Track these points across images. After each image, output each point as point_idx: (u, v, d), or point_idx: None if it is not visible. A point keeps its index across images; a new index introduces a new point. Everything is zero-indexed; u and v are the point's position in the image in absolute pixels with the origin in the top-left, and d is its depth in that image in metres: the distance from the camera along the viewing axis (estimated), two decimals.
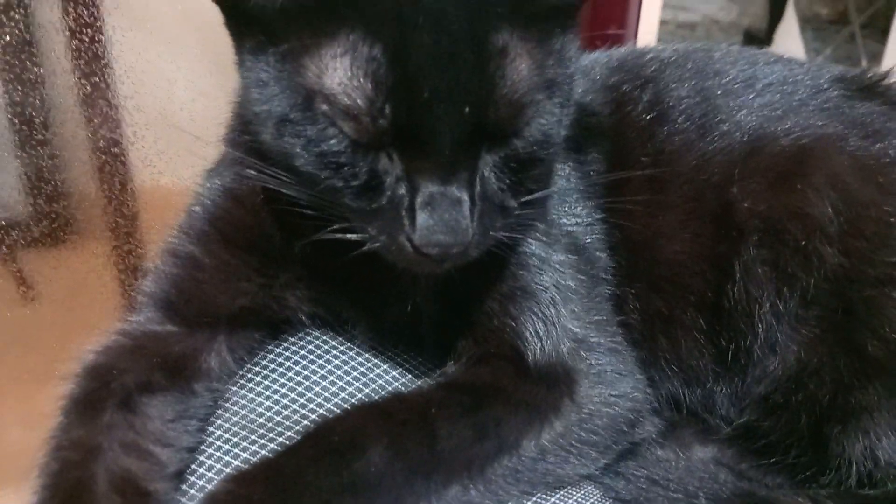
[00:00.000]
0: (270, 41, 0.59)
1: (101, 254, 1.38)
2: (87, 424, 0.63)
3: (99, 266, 1.38)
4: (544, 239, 0.74)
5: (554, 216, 0.77)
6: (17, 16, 1.18)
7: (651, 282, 0.79)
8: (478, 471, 0.64)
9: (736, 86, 0.82)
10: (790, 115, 0.79)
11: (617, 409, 0.71)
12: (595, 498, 0.71)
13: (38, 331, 1.34)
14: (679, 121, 0.81)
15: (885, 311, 0.69)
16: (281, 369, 0.75)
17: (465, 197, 0.58)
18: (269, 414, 0.71)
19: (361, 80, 0.55)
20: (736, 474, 0.76)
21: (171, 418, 0.67)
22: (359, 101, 0.55)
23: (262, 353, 0.76)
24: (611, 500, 0.71)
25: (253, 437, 0.69)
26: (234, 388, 0.73)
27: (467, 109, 0.56)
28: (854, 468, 0.71)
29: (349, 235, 0.62)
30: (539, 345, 0.70)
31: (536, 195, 0.65)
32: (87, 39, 1.22)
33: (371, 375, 0.75)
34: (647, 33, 1.96)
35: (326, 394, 0.73)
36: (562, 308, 0.72)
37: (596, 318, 0.74)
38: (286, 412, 0.71)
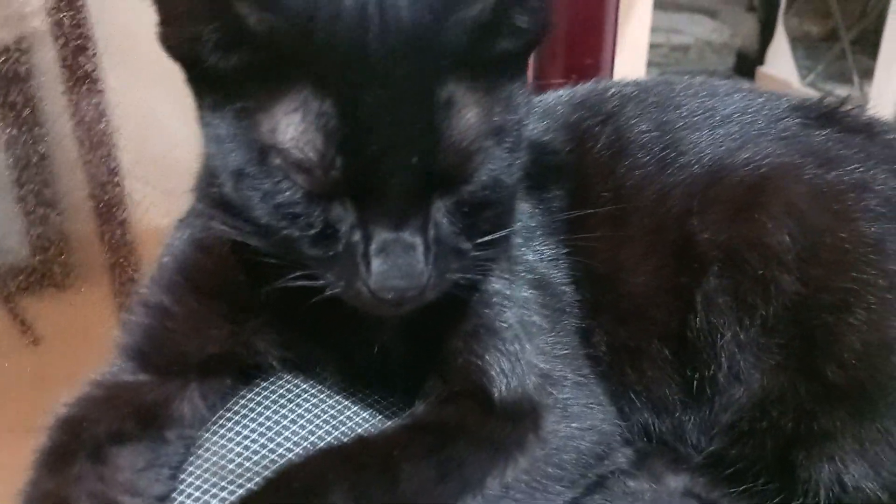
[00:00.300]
0: (227, 99, 0.61)
1: (103, 298, 1.41)
2: (57, 477, 0.64)
3: (101, 310, 1.40)
4: (507, 276, 0.75)
5: (517, 253, 0.78)
6: (12, 60, 1.21)
7: (616, 314, 0.80)
8: None
9: (695, 118, 0.84)
10: (748, 144, 0.80)
11: (584, 442, 0.72)
12: None
13: (32, 378, 1.35)
14: (639, 155, 0.82)
15: (842, 337, 0.70)
16: (252, 414, 0.76)
17: (419, 242, 0.60)
18: (239, 460, 0.72)
19: (312, 133, 0.57)
20: (707, 503, 0.76)
21: (141, 467, 0.69)
22: (310, 154, 0.57)
23: (235, 399, 0.78)
24: None
25: (224, 483, 0.70)
26: (207, 435, 0.75)
27: (415, 159, 0.57)
28: (822, 494, 0.71)
29: (310, 282, 0.64)
30: (505, 381, 0.71)
31: (491, 237, 0.66)
32: (83, 82, 1.25)
33: (341, 418, 0.76)
34: (634, 60, 1.99)
35: (297, 437, 0.74)
36: (526, 344, 0.73)
37: (562, 352, 0.75)
38: (257, 457, 0.72)
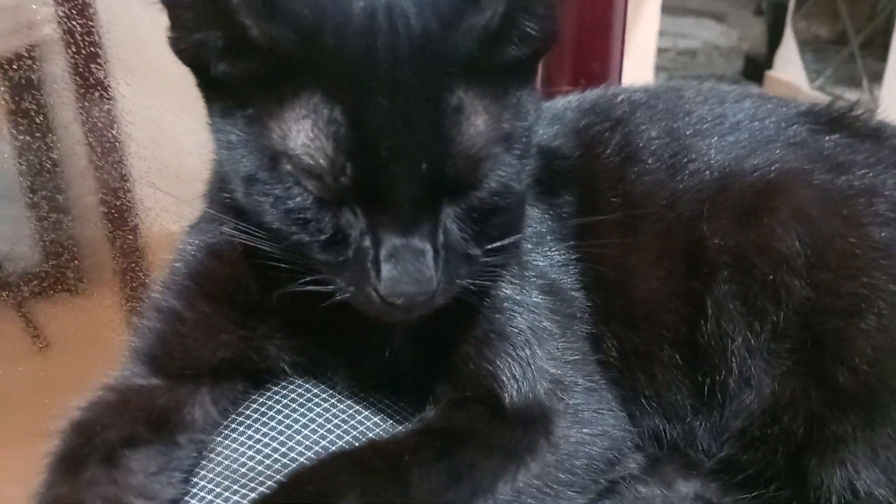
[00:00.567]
0: (237, 105, 0.62)
1: (114, 303, 1.41)
2: (70, 481, 0.65)
3: (111, 314, 1.41)
4: (517, 281, 0.76)
5: (528, 258, 0.78)
6: (24, 67, 1.22)
7: (627, 320, 0.80)
8: None
9: (705, 125, 0.84)
10: (758, 151, 0.80)
11: (595, 447, 0.72)
12: None
13: (45, 382, 1.36)
14: (649, 161, 0.82)
15: (853, 341, 0.70)
16: (264, 419, 0.76)
17: (428, 247, 0.60)
18: (251, 463, 0.72)
19: (323, 141, 0.58)
20: None
21: (154, 471, 0.69)
22: (321, 161, 0.58)
23: (246, 403, 0.78)
24: None
25: (236, 486, 0.70)
26: (218, 439, 0.75)
27: (425, 166, 0.58)
28: (834, 499, 0.71)
29: (320, 287, 0.64)
30: (515, 387, 0.72)
31: (501, 243, 0.66)
32: (95, 90, 1.26)
33: (352, 422, 0.76)
34: (642, 64, 1.99)
35: (308, 442, 0.74)
36: (537, 349, 0.73)
37: (572, 357, 0.75)
38: (268, 461, 0.73)
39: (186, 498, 0.70)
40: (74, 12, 1.20)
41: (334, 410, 0.77)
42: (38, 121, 1.25)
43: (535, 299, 0.76)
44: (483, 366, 0.72)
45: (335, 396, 0.78)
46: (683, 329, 0.78)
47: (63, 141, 1.28)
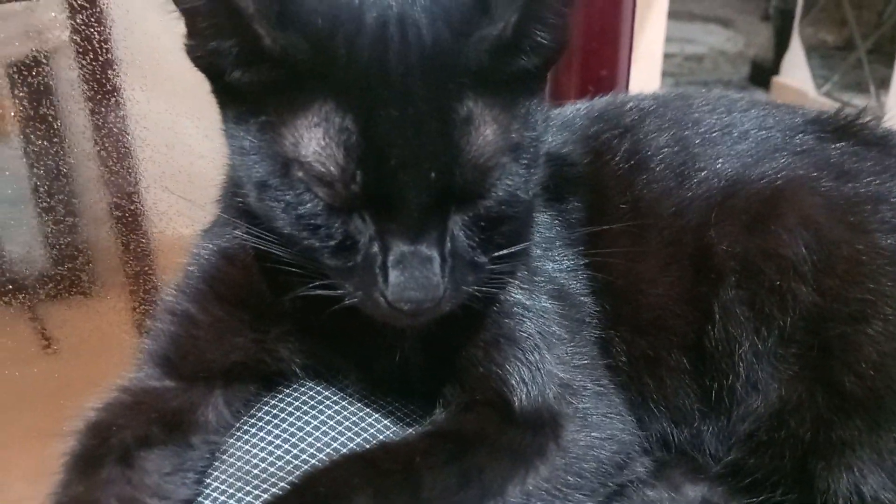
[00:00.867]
0: (251, 111, 0.63)
1: (127, 306, 1.43)
2: (86, 481, 0.66)
3: (120, 318, 1.43)
4: (527, 286, 0.76)
5: (537, 263, 0.79)
6: (41, 73, 1.24)
7: (635, 325, 0.81)
8: None
9: (713, 134, 0.85)
10: (765, 159, 0.81)
11: (603, 451, 0.73)
12: None
13: (59, 384, 1.38)
14: (657, 169, 0.83)
15: (859, 347, 0.71)
16: (276, 420, 0.77)
17: (436, 255, 0.61)
18: (263, 465, 0.73)
19: (334, 149, 0.59)
20: None
21: (168, 472, 0.70)
22: (332, 168, 0.59)
23: (258, 405, 0.79)
24: None
25: (248, 487, 0.71)
26: (231, 440, 0.76)
27: (434, 175, 0.59)
28: None
29: (329, 291, 0.65)
30: (525, 391, 0.72)
31: (507, 251, 0.67)
32: (109, 96, 1.28)
33: (363, 424, 0.78)
34: (649, 70, 2.00)
35: (320, 444, 0.75)
36: (546, 354, 0.74)
37: (581, 362, 0.76)
38: (281, 462, 0.74)
39: (199, 498, 0.71)
40: (92, 20, 1.22)
41: (345, 413, 0.78)
42: (53, 126, 1.27)
43: (544, 304, 0.77)
44: (492, 369, 0.73)
45: (346, 399, 0.80)
46: (691, 334, 0.79)
47: (78, 146, 1.30)
